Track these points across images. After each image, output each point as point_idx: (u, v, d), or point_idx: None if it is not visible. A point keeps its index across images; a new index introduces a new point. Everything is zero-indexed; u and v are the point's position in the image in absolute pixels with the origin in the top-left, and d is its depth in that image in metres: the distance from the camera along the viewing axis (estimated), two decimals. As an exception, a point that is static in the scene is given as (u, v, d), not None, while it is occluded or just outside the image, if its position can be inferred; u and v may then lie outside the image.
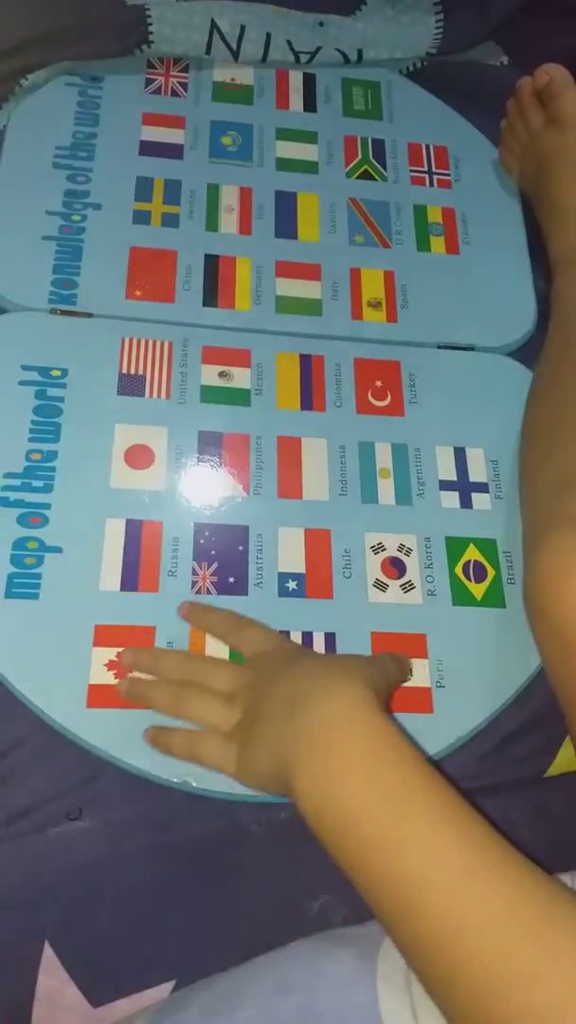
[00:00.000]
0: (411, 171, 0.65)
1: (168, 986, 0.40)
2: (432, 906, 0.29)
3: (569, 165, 0.57)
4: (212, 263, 0.58)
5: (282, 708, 0.37)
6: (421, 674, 0.47)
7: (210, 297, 0.57)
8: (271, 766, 0.36)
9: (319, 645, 0.47)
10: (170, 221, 0.59)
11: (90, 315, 0.55)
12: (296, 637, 0.47)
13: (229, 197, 0.61)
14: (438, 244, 0.62)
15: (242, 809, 0.43)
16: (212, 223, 0.60)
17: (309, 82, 0.67)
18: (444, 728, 0.46)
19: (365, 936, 0.35)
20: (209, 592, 0.47)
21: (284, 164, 0.63)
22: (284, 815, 0.44)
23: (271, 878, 0.43)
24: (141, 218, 0.59)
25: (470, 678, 0.47)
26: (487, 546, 0.51)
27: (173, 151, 0.62)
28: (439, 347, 0.58)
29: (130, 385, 0.53)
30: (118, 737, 0.43)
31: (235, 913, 0.42)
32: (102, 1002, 0.40)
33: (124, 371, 0.53)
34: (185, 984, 0.40)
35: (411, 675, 0.46)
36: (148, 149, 0.62)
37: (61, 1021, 0.39)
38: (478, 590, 0.50)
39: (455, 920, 0.28)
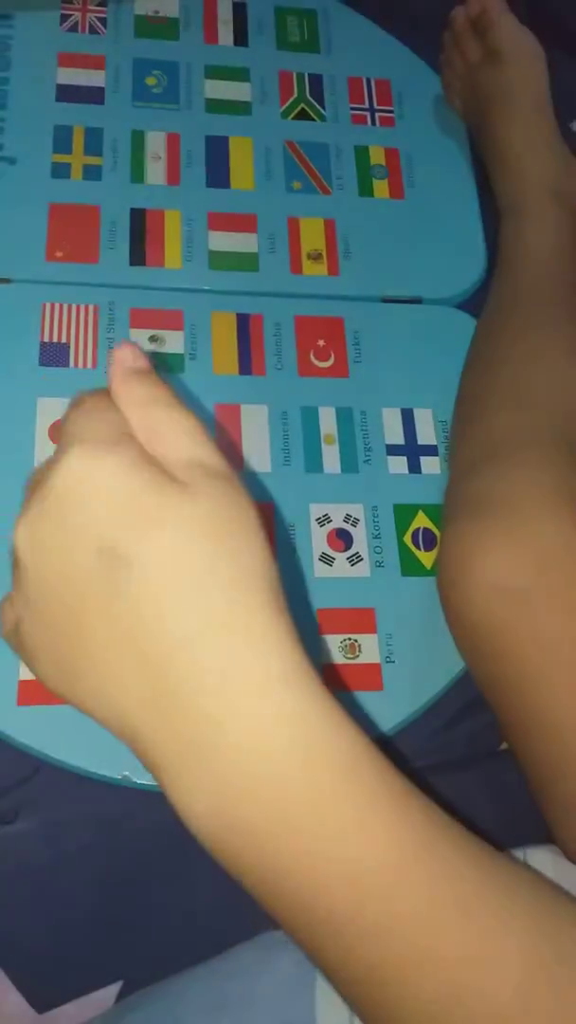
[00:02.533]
0: (351, 109, 0.60)
1: (115, 988, 0.39)
2: (422, 1012, 0.24)
3: (511, 103, 0.53)
4: (139, 218, 0.54)
5: (140, 673, 0.23)
6: (371, 649, 0.45)
7: (137, 255, 0.53)
8: (117, 731, 0.26)
9: (263, 625, 0.45)
10: (92, 174, 0.55)
11: (7, 280, 0.51)
12: (239, 618, 0.45)
13: (155, 144, 0.57)
14: (381, 188, 0.58)
15: (186, 802, 0.42)
16: (138, 174, 0.56)
17: (240, 12, 0.62)
18: (395, 705, 0.44)
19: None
20: (144, 576, 0.45)
21: (214, 105, 0.59)
22: (230, 805, 0.42)
23: (218, 870, 0.41)
24: (60, 171, 0.55)
25: (421, 652, 0.45)
26: (436, 512, 0.49)
27: (93, 95, 0.58)
28: (384, 300, 0.55)
29: (53, 355, 0.49)
30: (53, 734, 0.41)
31: (184, 908, 0.41)
32: (46, 1008, 0.39)
33: (46, 339, 0.50)
34: (133, 984, 0.39)
35: None
36: (66, 94, 0.57)
37: (4, 1030, 0.38)
38: (427, 559, 0.48)
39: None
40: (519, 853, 0.37)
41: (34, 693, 0.42)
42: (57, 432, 0.47)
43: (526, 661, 0.34)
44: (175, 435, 0.25)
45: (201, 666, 0.23)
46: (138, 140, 0.57)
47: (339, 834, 0.23)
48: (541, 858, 0.36)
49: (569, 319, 0.46)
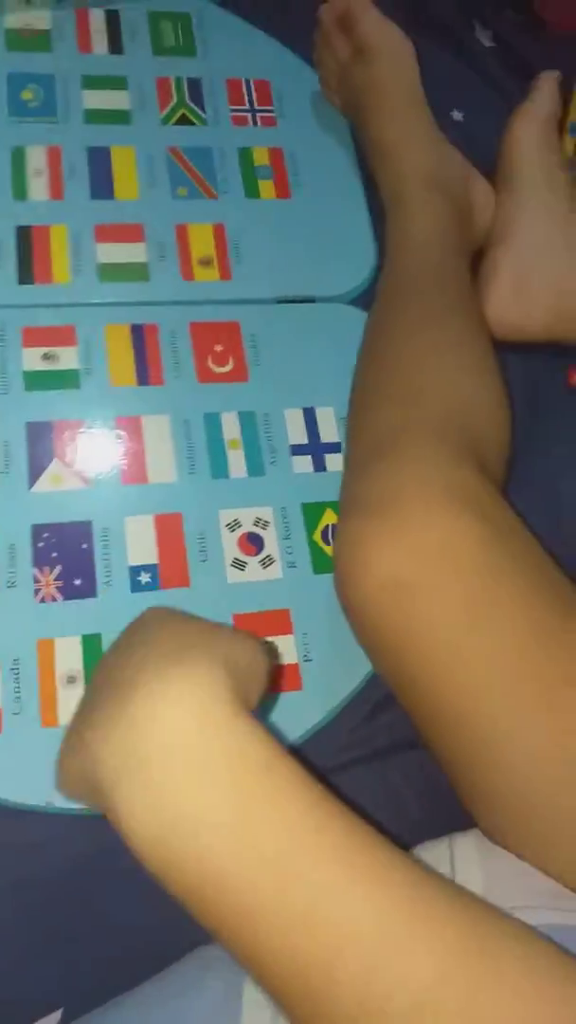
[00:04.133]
0: (232, 111, 0.60)
1: (55, 1016, 0.39)
2: (347, 995, 0.25)
3: (383, 97, 0.54)
4: (24, 235, 0.53)
5: (104, 703, 0.29)
6: (288, 650, 0.46)
7: (25, 273, 0.52)
8: (83, 774, 0.29)
9: (179, 636, 0.45)
10: (-28, 193, 0.54)
11: None
12: (154, 632, 0.45)
13: (36, 159, 0.56)
14: (267, 189, 0.58)
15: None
16: (19, 191, 0.55)
17: (113, 20, 0.62)
18: (316, 702, 0.45)
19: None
20: (54, 599, 0.44)
21: (93, 116, 0.58)
22: (158, 820, 0.42)
23: (152, 887, 0.41)
24: None
25: (337, 648, 0.46)
26: (345, 508, 0.49)
27: (-32, 112, 0.57)
28: (278, 302, 0.55)
29: (-56, 382, 0.48)
30: (-30, 768, 0.41)
31: (120, 927, 0.41)
32: (-14, 1045, 0.38)
33: None
34: (73, 1011, 0.39)
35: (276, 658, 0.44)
36: None
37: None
38: (339, 555, 0.48)
39: (377, 1004, 0.25)
40: (445, 840, 0.38)
41: (-52, 728, 0.41)
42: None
43: (423, 655, 0.35)
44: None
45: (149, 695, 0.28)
46: (18, 157, 0.56)
47: (256, 825, 0.26)
48: (466, 843, 0.37)
49: (452, 308, 0.47)
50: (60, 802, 0.40)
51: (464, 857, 0.36)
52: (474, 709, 0.34)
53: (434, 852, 0.37)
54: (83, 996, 0.38)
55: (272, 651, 0.44)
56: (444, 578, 0.34)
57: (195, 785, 0.27)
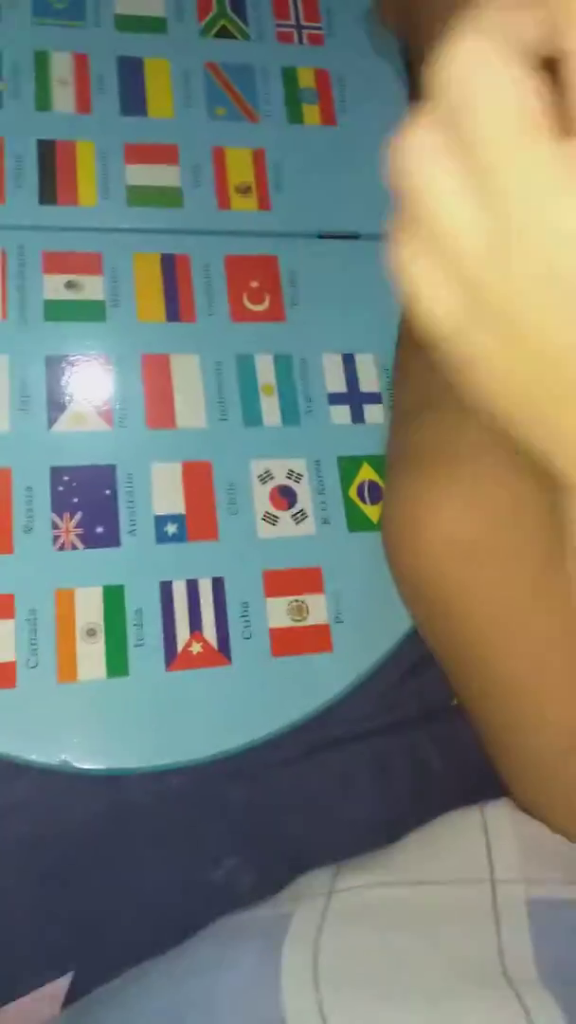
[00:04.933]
0: (277, 25, 0.55)
1: (66, 980, 0.37)
2: None
3: (447, 12, 0.49)
4: (47, 150, 0.49)
5: None
6: (319, 610, 0.43)
7: (47, 192, 0.48)
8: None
9: (205, 592, 0.42)
10: (-8, 100, 0.50)
11: None
12: (180, 586, 0.42)
13: (61, 67, 0.51)
14: (312, 114, 0.54)
15: (128, 782, 0.39)
16: (43, 101, 0.50)
17: None
18: (346, 666, 0.43)
19: (269, 920, 0.32)
20: (74, 547, 0.42)
21: (125, 22, 0.53)
22: (175, 782, 0.40)
23: (169, 850, 0.40)
24: (-45, 98, 0.49)
25: (369, 610, 0.44)
26: (382, 463, 0.46)
27: (-11, 10, 0.52)
28: (320, 236, 0.51)
29: (-41, 307, 0.45)
30: (-17, 721, 0.38)
31: (133, 891, 0.39)
32: (-5, 1006, 0.37)
33: (-50, 291, 0.45)
34: (84, 974, 0.37)
35: None
36: (-43, 9, 0.51)
37: (-50, 1034, 0.36)
38: (374, 512, 0.45)
39: None
40: (476, 808, 0.37)
41: (-41, 679, 0.39)
42: (-32, 392, 0.43)
43: (478, 616, 0.33)
44: None
45: None
46: (42, 62, 0.51)
47: None
48: (498, 812, 0.36)
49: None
50: (76, 761, 0.38)
51: (497, 826, 0.35)
52: (529, 677, 0.32)
53: (466, 820, 0.36)
54: (95, 961, 0.37)
55: None
56: (515, 540, 0.32)
57: None
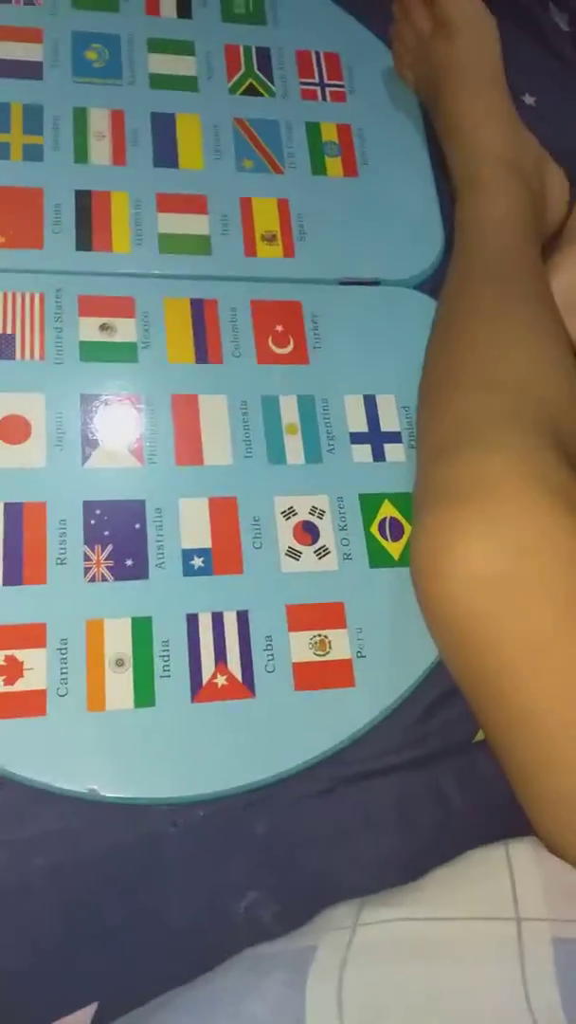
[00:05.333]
0: (301, 83, 0.58)
1: (90, 1010, 0.38)
2: None
3: (463, 74, 0.52)
4: (84, 200, 0.51)
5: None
6: (341, 646, 0.44)
7: (84, 239, 0.50)
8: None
9: (230, 625, 0.43)
10: (33, 154, 0.52)
11: (-55, 269, 0.48)
12: (205, 618, 0.43)
13: (99, 122, 0.54)
14: (334, 166, 0.56)
15: (156, 812, 0.40)
16: (81, 154, 0.53)
17: (181, -18, 0.60)
18: (368, 701, 0.43)
19: (294, 953, 0.32)
20: (105, 579, 0.43)
21: (159, 81, 0.56)
22: (202, 813, 0.40)
23: (193, 880, 0.40)
24: (-2, 151, 0.52)
25: (392, 645, 0.44)
26: (402, 500, 0.47)
27: (31, 70, 0.55)
28: (341, 283, 0.53)
29: (-2, 348, 0.47)
30: (14, 749, 0.39)
31: (157, 922, 0.39)
32: (18, 1035, 0.37)
33: (-11, 332, 0.47)
34: (109, 1005, 0.38)
35: None
36: (2, 69, 0.54)
37: (-26, 1064, 0.36)
38: (395, 549, 0.46)
39: None
40: (501, 846, 0.37)
41: (-8, 707, 0.40)
42: (4, 429, 0.45)
43: (508, 651, 0.33)
44: None
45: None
46: (80, 118, 0.54)
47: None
48: (523, 849, 0.36)
49: (528, 296, 0.45)
50: (103, 790, 0.39)
51: (522, 865, 0.35)
52: (556, 711, 0.32)
53: (490, 857, 0.36)
54: (118, 992, 0.37)
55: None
56: (537, 571, 0.32)
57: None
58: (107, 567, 0.43)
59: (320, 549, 0.46)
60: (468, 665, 0.35)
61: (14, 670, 0.40)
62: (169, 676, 0.41)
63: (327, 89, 0.59)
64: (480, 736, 0.44)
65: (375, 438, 0.49)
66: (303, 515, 0.46)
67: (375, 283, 0.53)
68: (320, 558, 0.46)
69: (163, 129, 0.55)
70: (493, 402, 0.39)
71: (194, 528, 0.45)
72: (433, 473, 0.38)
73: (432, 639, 0.38)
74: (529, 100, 0.63)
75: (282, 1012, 0.28)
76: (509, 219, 0.49)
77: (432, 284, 0.54)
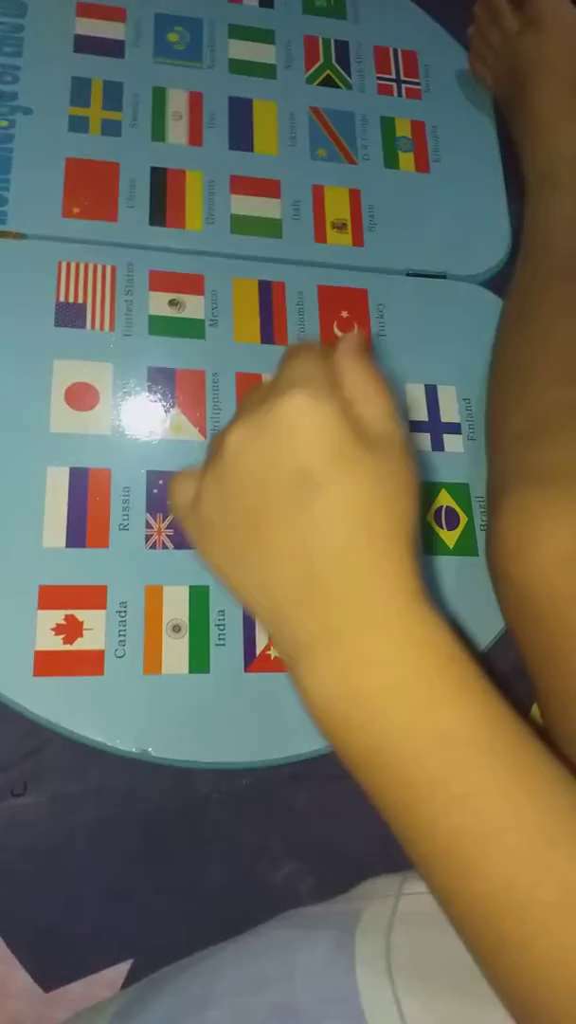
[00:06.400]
0: (378, 78, 0.59)
1: (125, 966, 0.38)
2: (496, 876, 0.25)
3: (549, 72, 0.52)
4: (159, 176, 0.52)
5: (302, 574, 0.28)
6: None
7: (157, 215, 0.51)
8: (266, 617, 0.30)
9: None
10: (111, 129, 0.53)
11: (22, 236, 0.49)
12: (258, 592, 0.43)
13: (177, 102, 0.55)
14: (407, 161, 0.57)
15: (200, 777, 0.41)
16: (159, 132, 0.54)
17: (265, -27, 0.60)
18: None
19: (340, 914, 0.33)
20: (165, 547, 0.43)
21: (238, 66, 0.57)
22: (245, 782, 0.41)
23: (232, 848, 0.40)
24: (78, 125, 0.53)
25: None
26: (459, 491, 0.48)
27: (112, 48, 0.56)
28: (408, 274, 0.53)
29: (69, 315, 0.47)
30: (67, 706, 0.40)
31: (195, 886, 0.40)
32: (54, 986, 0.37)
33: (62, 299, 0.48)
34: (143, 963, 0.38)
35: None
36: (84, 45, 0.55)
37: (11, 1009, 0.37)
38: (450, 538, 0.47)
39: (524, 892, 0.25)
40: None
41: (49, 665, 0.40)
42: (73, 395, 0.45)
43: None
44: (376, 406, 0.30)
45: (350, 579, 0.28)
46: (159, 97, 0.55)
47: (436, 705, 0.27)
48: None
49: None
50: (153, 751, 0.39)
51: None
52: None
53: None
54: (154, 950, 0.37)
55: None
56: None
57: (382, 662, 0.28)
58: (167, 535, 0.44)
59: (374, 533, 0.46)
60: (546, 646, 0.35)
61: (74, 630, 0.41)
62: (224, 645, 0.42)
63: (403, 85, 0.59)
64: (535, 711, 0.45)
65: (435, 428, 0.49)
66: (359, 499, 0.47)
67: (442, 276, 0.54)
68: (374, 542, 0.46)
69: (240, 113, 0.55)
70: (571, 395, 0.40)
71: (252, 504, 0.45)
72: (516, 458, 0.39)
73: (505, 620, 0.39)
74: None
75: (333, 962, 0.29)
76: None
77: (497, 281, 0.54)
